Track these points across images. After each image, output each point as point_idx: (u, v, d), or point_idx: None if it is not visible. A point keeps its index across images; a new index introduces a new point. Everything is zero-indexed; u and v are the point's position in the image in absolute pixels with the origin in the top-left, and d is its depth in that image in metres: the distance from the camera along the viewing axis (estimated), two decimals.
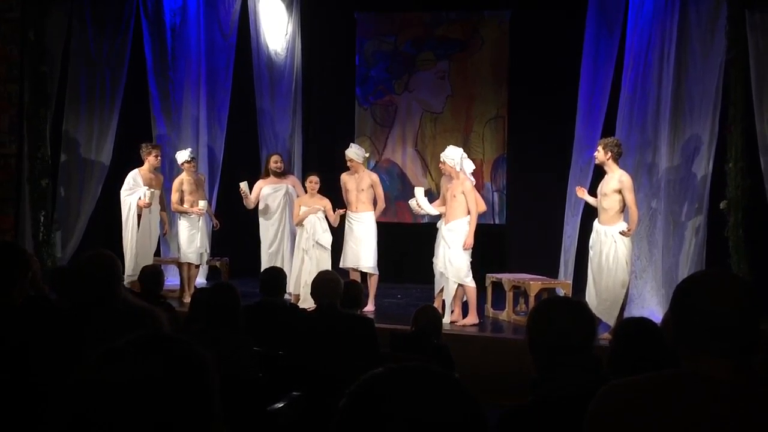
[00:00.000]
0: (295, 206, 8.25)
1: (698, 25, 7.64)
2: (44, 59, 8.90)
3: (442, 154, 7.59)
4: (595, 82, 8.42)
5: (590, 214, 8.55)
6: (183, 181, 8.56)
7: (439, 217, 8.11)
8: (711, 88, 7.55)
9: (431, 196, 9.23)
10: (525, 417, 2.31)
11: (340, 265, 8.13)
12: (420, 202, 7.89)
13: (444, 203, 7.94)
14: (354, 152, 8.28)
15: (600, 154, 6.91)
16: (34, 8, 8.81)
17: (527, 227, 9.69)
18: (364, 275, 8.17)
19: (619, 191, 6.76)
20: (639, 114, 7.98)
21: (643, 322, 3.13)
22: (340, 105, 10.48)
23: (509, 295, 7.88)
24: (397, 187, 10.28)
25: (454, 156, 7.43)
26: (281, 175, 8.61)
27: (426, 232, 9.82)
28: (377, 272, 8.19)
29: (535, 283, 7.72)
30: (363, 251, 8.13)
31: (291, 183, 8.70)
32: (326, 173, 8.68)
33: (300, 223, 8.06)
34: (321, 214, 8.03)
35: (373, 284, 8.19)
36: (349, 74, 10.43)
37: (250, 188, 8.62)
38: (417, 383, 1.13)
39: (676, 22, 7.72)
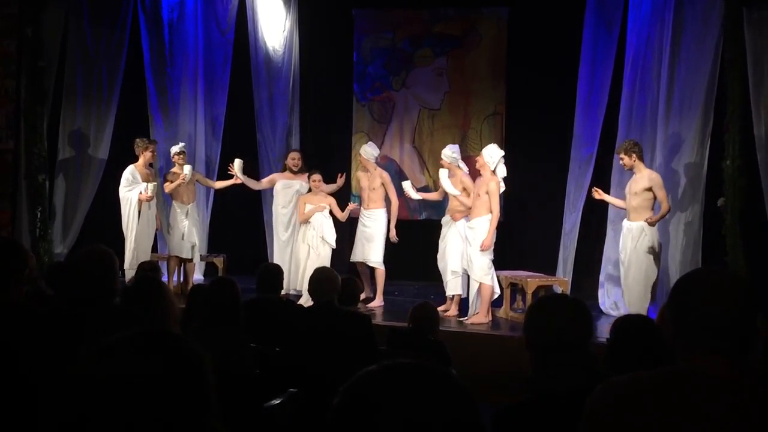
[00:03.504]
0: (299, 204, 8.34)
1: (693, 22, 7.65)
2: (41, 55, 8.87)
3: (483, 149, 7.59)
4: (593, 80, 8.42)
5: (591, 212, 8.59)
6: (172, 174, 8.61)
7: (443, 213, 8.19)
8: (705, 85, 7.56)
9: (428, 192, 9.24)
10: (520, 414, 2.31)
11: (351, 260, 8.47)
12: (410, 194, 8.23)
13: (439, 195, 8.30)
14: (364, 150, 8.52)
15: (626, 160, 7.06)
16: (32, 3, 8.78)
17: (525, 224, 9.70)
18: (373, 270, 8.41)
19: (650, 189, 6.94)
20: (638, 112, 8.00)
21: (640, 320, 3.13)
22: (338, 101, 10.48)
23: (506, 292, 7.87)
24: (395, 184, 10.26)
25: (493, 155, 7.41)
26: (297, 172, 8.70)
27: (424, 229, 9.84)
28: (383, 267, 8.34)
29: (532, 281, 7.71)
30: (371, 246, 8.35)
31: (304, 180, 8.69)
32: (324, 170, 8.72)
33: (306, 221, 8.17)
34: (327, 212, 8.14)
35: (379, 278, 8.36)
36: (346, 71, 10.42)
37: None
38: (411, 380, 1.13)
39: (671, 20, 7.73)
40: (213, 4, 9.74)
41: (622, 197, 7.72)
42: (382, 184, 8.41)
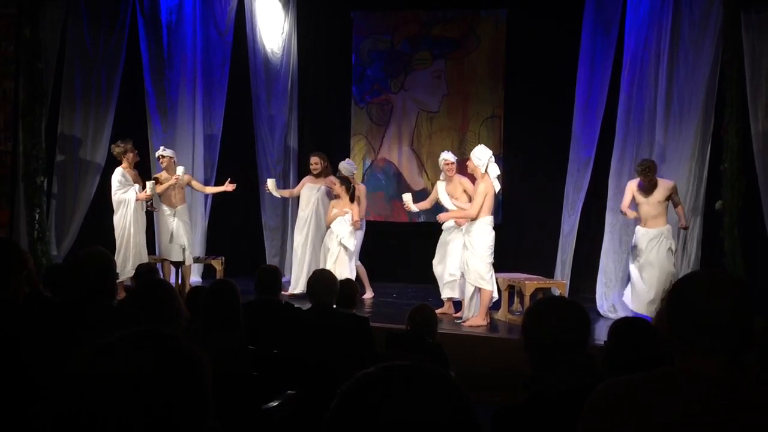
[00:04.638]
0: (330, 207, 8.57)
1: (691, 26, 7.67)
2: (40, 56, 8.86)
3: (471, 153, 7.60)
4: (592, 82, 8.43)
5: (589, 214, 8.59)
6: (160, 177, 8.60)
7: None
8: (703, 89, 7.58)
9: (426, 195, 9.25)
10: (518, 415, 2.32)
11: None
12: (410, 207, 8.20)
13: (432, 202, 8.34)
14: (343, 167, 8.75)
15: (652, 176, 7.25)
16: (30, 4, 8.78)
17: (523, 227, 9.70)
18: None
19: (668, 197, 7.30)
20: (636, 114, 8.01)
21: (637, 322, 3.13)
22: (337, 104, 10.48)
23: (504, 295, 7.88)
24: (393, 187, 10.28)
25: (481, 156, 7.43)
26: (320, 175, 8.85)
27: (421, 231, 9.84)
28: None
29: (530, 283, 7.72)
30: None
31: (327, 184, 8.84)
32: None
33: (329, 224, 8.46)
34: (348, 217, 8.29)
35: (363, 273, 8.77)
36: (345, 73, 10.42)
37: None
38: (409, 382, 1.13)
39: (670, 22, 7.75)
40: (211, 6, 9.73)
41: (620, 199, 7.75)
42: (358, 196, 8.68)
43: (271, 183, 8.85)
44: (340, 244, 8.25)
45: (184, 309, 3.53)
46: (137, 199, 8.32)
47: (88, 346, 1.21)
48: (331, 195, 8.78)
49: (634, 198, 7.44)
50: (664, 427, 1.60)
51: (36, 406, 2.30)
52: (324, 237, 8.60)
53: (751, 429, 1.60)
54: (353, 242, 8.30)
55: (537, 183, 9.58)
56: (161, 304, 3.09)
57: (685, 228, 7.43)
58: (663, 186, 7.33)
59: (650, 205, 7.33)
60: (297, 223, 8.97)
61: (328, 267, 8.03)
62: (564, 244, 8.60)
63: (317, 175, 8.85)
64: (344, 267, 8.10)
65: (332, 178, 8.81)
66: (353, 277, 8.03)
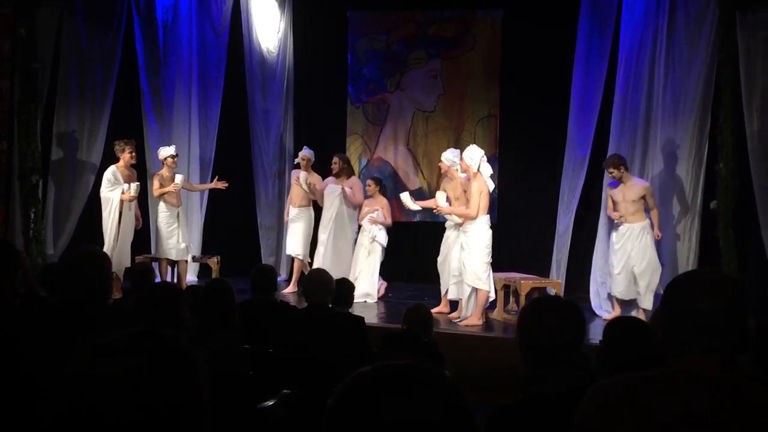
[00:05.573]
0: (363, 206, 8.75)
1: (686, 26, 7.69)
2: (35, 55, 8.85)
3: (463, 153, 7.60)
4: (587, 82, 8.44)
5: (584, 214, 8.61)
6: (162, 176, 8.58)
7: (439, 216, 8.21)
8: (698, 89, 7.60)
9: (423, 194, 9.27)
10: (514, 415, 2.32)
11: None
12: (408, 206, 8.23)
13: (434, 203, 8.12)
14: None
15: (616, 173, 7.45)
16: (26, 4, 8.76)
17: (519, 226, 9.71)
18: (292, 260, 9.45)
19: (643, 197, 7.43)
20: (631, 114, 8.03)
21: (632, 322, 3.14)
22: (332, 103, 10.48)
23: (500, 294, 7.88)
24: (389, 186, 10.27)
25: (473, 156, 7.44)
26: (339, 175, 8.88)
27: (417, 231, 9.85)
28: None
29: (526, 282, 7.73)
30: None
31: (348, 185, 8.88)
32: (319, 171, 8.74)
33: (361, 221, 8.68)
34: (380, 214, 8.52)
35: (298, 268, 9.21)
36: (341, 72, 10.42)
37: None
38: (405, 381, 1.13)
39: (665, 23, 7.77)
40: (207, 6, 9.72)
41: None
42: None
43: (303, 177, 8.95)
44: (374, 240, 8.49)
45: (187, 318, 3.52)
46: (121, 200, 8.33)
47: (86, 346, 1.21)
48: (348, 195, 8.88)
49: (612, 199, 7.62)
50: (664, 428, 1.61)
51: (36, 406, 2.30)
52: (349, 235, 8.81)
53: (751, 429, 1.60)
54: (384, 236, 8.56)
55: (532, 182, 9.59)
56: (170, 306, 3.10)
57: (659, 238, 7.49)
58: (636, 186, 7.47)
59: (627, 203, 7.48)
60: (321, 222, 8.97)
61: (361, 261, 8.50)
62: (559, 244, 8.61)
63: (336, 175, 8.87)
64: (375, 264, 8.50)
65: (354, 178, 8.98)
66: (378, 270, 8.52)
